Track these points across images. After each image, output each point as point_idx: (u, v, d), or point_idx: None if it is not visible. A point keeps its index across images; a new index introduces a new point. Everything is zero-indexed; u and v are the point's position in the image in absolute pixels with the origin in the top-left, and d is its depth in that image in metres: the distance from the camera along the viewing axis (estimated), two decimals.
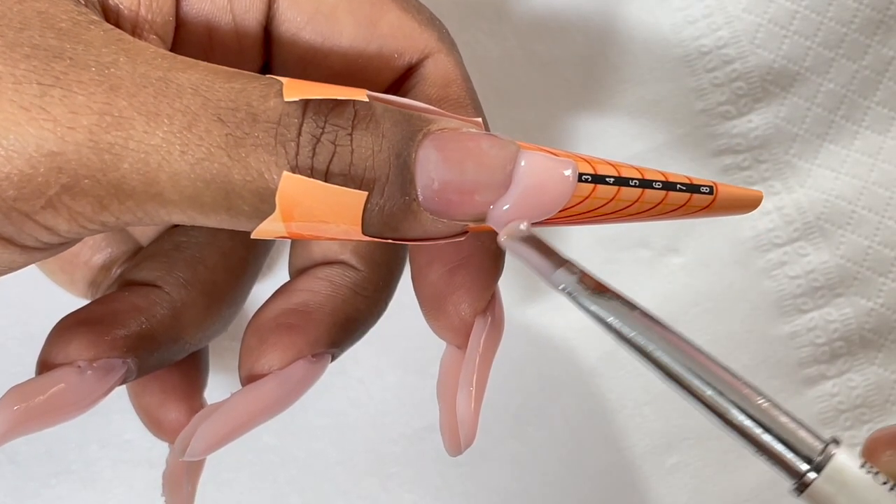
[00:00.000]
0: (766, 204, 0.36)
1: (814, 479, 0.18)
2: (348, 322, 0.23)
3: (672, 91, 0.35)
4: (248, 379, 0.23)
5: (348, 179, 0.18)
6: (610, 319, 0.19)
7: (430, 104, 0.21)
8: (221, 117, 0.17)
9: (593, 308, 0.19)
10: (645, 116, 0.35)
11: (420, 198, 0.19)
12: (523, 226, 0.20)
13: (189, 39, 0.22)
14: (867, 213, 0.36)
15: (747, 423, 0.18)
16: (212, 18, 0.22)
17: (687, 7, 0.34)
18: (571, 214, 0.20)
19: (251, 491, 0.35)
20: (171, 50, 0.21)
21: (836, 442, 0.18)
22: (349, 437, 0.36)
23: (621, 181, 0.20)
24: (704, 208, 0.21)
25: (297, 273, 0.24)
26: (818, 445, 0.18)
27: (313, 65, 0.22)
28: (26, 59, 0.17)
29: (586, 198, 0.20)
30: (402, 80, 0.23)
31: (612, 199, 0.20)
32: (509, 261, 0.37)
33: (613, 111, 0.35)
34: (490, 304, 0.23)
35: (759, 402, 0.18)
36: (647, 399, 0.37)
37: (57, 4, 0.18)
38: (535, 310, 0.36)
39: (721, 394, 0.18)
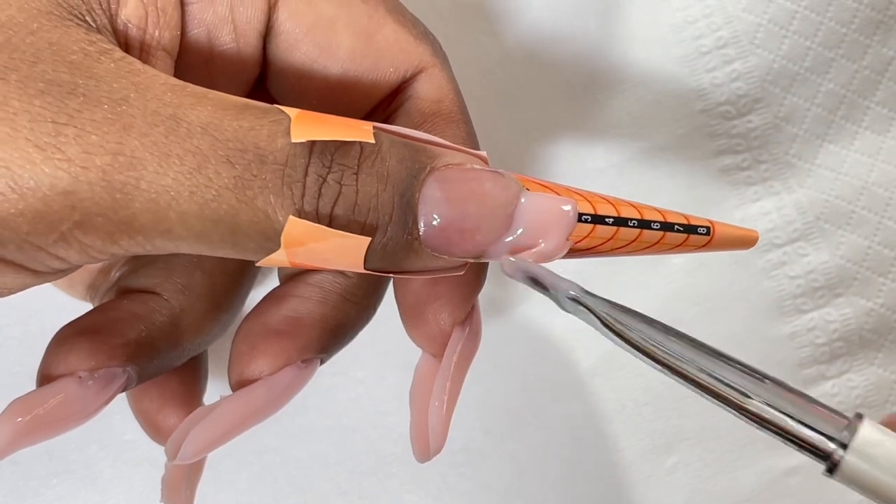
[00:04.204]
0: (765, 204, 0.36)
1: (842, 457, 0.18)
2: (338, 328, 0.23)
3: (672, 91, 0.35)
4: (239, 384, 0.23)
5: (352, 221, 0.18)
6: (618, 328, 0.19)
7: (423, 118, 0.22)
8: (230, 159, 0.18)
9: (597, 319, 0.19)
10: (645, 116, 0.35)
11: (422, 235, 0.19)
12: (526, 261, 0.20)
13: (191, 49, 0.22)
14: (867, 214, 0.36)
15: (768, 411, 0.18)
16: (213, 29, 0.22)
17: (687, 7, 0.34)
18: (570, 251, 0.21)
19: (251, 491, 0.35)
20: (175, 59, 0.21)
21: (859, 416, 0.18)
22: (349, 437, 0.36)
23: (620, 222, 0.21)
24: (701, 246, 0.22)
25: (286, 278, 0.24)
26: (842, 423, 0.18)
27: (309, 76, 0.22)
28: (41, 96, 0.17)
29: (585, 237, 0.21)
30: (395, 93, 0.23)
31: (611, 238, 0.21)
32: None
33: (613, 111, 0.35)
34: (469, 316, 0.23)
35: (778, 390, 0.18)
36: (646, 399, 0.37)
37: (68, 34, 0.18)
38: (535, 311, 0.36)
39: (733, 386, 0.18)
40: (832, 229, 0.36)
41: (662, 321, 0.19)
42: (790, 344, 0.37)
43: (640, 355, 0.19)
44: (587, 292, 0.20)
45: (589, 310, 0.20)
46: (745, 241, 0.23)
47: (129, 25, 0.20)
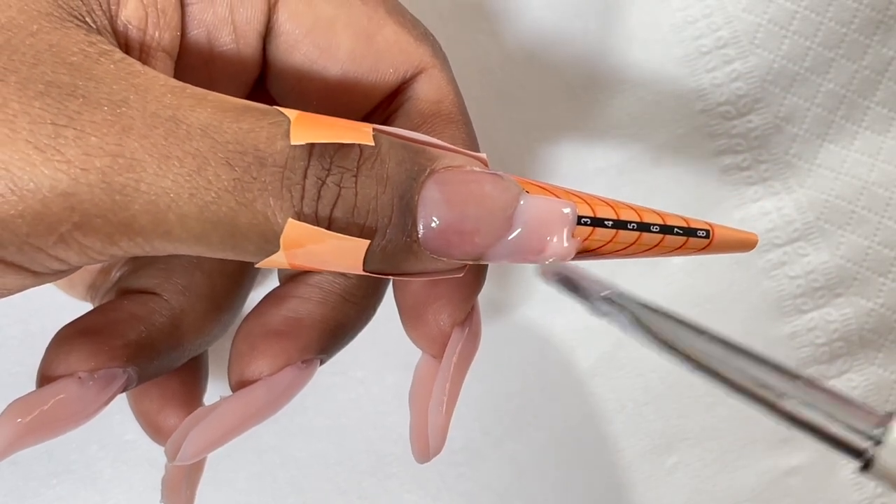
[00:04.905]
0: (765, 204, 0.36)
1: (876, 454, 0.17)
2: (338, 329, 0.23)
3: (672, 91, 0.35)
4: (238, 385, 0.23)
5: (351, 224, 0.18)
6: (652, 328, 0.19)
7: (422, 119, 0.22)
8: (230, 161, 0.18)
9: (636, 324, 0.19)
10: (645, 116, 0.35)
11: (421, 237, 0.19)
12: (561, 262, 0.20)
13: (191, 50, 0.22)
14: (867, 213, 0.36)
15: (801, 409, 0.18)
16: (213, 30, 0.22)
17: (687, 7, 0.34)
18: None
19: (251, 491, 0.35)
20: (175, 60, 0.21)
21: (890, 415, 0.18)
22: (349, 437, 0.36)
23: (619, 224, 0.21)
24: (701, 249, 0.22)
25: (286, 279, 0.24)
26: (874, 420, 0.18)
27: (309, 77, 0.22)
28: (40, 97, 0.17)
29: (584, 240, 0.21)
30: (395, 94, 0.23)
31: (610, 241, 0.21)
32: (508, 264, 0.37)
33: (613, 111, 0.35)
34: (469, 316, 0.23)
35: (810, 387, 0.18)
36: (647, 399, 0.37)
37: (69, 36, 0.18)
38: (535, 311, 0.36)
39: (766, 385, 0.18)
40: (832, 229, 0.36)
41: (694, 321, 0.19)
42: (790, 344, 0.37)
43: (673, 356, 0.19)
44: (621, 293, 0.20)
45: (623, 310, 0.19)
46: (744, 244, 0.23)
47: (129, 26, 0.20)
